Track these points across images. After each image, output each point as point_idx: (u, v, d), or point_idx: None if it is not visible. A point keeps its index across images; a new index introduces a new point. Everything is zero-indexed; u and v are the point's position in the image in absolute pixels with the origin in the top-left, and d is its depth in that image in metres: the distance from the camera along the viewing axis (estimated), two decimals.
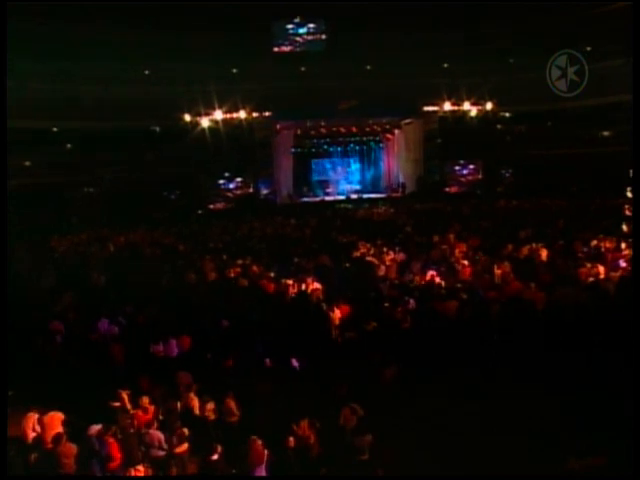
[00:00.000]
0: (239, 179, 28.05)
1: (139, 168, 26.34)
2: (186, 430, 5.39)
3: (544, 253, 11.64)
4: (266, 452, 4.93)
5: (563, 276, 10.12)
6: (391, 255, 12.65)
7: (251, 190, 27.95)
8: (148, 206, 25.84)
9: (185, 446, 5.35)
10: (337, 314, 8.89)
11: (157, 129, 28.60)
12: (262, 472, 4.88)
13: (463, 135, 26.94)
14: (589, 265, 10.26)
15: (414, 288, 10.22)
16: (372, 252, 13.21)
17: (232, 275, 11.88)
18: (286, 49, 27.63)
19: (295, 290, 10.47)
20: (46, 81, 23.66)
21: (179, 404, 6.00)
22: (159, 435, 5.33)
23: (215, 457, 4.96)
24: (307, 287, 10.48)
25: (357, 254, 13.40)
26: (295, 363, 7.14)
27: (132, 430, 5.43)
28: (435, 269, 11.03)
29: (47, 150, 26.27)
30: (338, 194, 30.37)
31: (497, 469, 5.30)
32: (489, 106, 26.89)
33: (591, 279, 9.73)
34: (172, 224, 21.69)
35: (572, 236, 13.23)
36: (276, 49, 27.26)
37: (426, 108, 27.39)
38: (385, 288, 10.23)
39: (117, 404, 5.87)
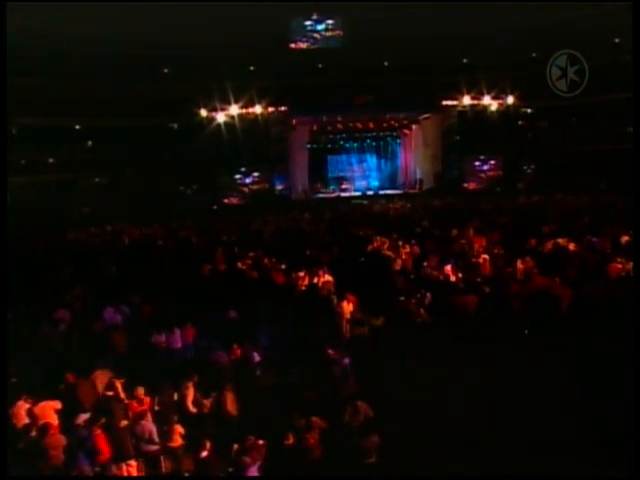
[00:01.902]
0: (255, 174, 27.90)
1: (157, 164, 26.47)
2: (179, 426, 5.03)
3: (572, 247, 11.00)
4: (264, 450, 4.55)
5: (591, 271, 9.51)
6: (407, 249, 12.16)
7: (267, 185, 27.76)
8: (164, 201, 25.96)
9: (178, 441, 4.99)
10: (348, 307, 8.49)
11: (175, 126, 28.75)
12: (258, 471, 4.49)
13: (483, 130, 26.19)
14: (620, 260, 9.59)
15: (430, 282, 9.73)
16: (386, 246, 12.73)
17: (243, 267, 11.58)
18: (303, 45, 27.28)
19: (306, 282, 10.10)
20: (68, 81, 23.91)
21: (176, 395, 5.65)
22: (150, 427, 4.98)
23: (204, 454, 4.59)
24: (318, 280, 10.09)
25: (372, 247, 12.94)
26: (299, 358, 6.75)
27: (125, 421, 5.10)
28: (453, 263, 10.49)
29: (69, 147, 26.78)
30: (354, 190, 29.88)
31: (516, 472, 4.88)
32: (510, 100, 26.06)
33: (623, 275, 9.09)
34: (187, 218, 21.64)
35: (599, 232, 12.52)
36: (293, 45, 26.95)
37: (445, 102, 26.70)
38: (400, 281, 9.80)
39: (110, 393, 5.56)
